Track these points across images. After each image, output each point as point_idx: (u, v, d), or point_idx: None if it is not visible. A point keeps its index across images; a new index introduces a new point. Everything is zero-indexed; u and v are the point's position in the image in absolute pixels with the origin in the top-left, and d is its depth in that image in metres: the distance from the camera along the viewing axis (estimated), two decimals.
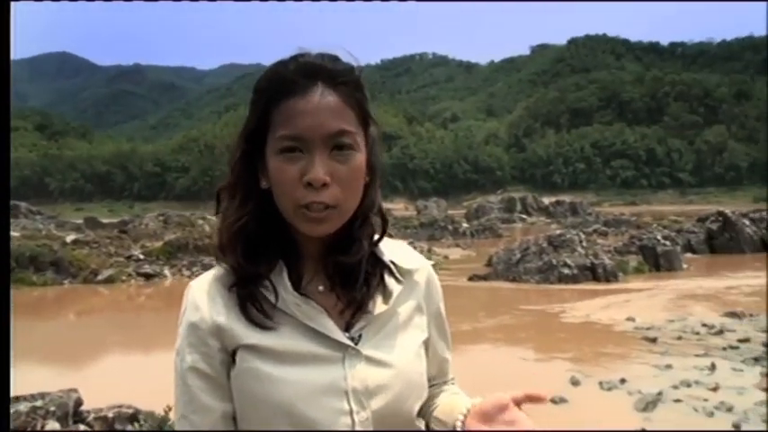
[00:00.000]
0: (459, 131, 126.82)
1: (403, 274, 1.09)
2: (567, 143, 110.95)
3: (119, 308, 15.17)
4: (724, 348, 9.04)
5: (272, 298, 0.99)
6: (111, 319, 13.88)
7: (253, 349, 0.97)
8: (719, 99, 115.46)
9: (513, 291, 15.23)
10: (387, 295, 1.06)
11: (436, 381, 1.15)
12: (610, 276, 15.89)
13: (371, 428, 0.97)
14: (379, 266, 1.07)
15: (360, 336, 1.01)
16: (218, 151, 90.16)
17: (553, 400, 6.77)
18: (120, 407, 5.22)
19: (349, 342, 0.99)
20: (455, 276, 16.46)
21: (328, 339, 0.99)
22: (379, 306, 1.04)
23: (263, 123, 0.99)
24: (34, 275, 16.73)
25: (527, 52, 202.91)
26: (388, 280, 1.07)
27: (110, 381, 7.78)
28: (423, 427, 1.07)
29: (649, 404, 6.61)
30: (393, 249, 1.11)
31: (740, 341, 9.35)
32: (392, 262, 1.09)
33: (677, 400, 6.79)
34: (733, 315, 11.16)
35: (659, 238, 18.67)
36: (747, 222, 22.03)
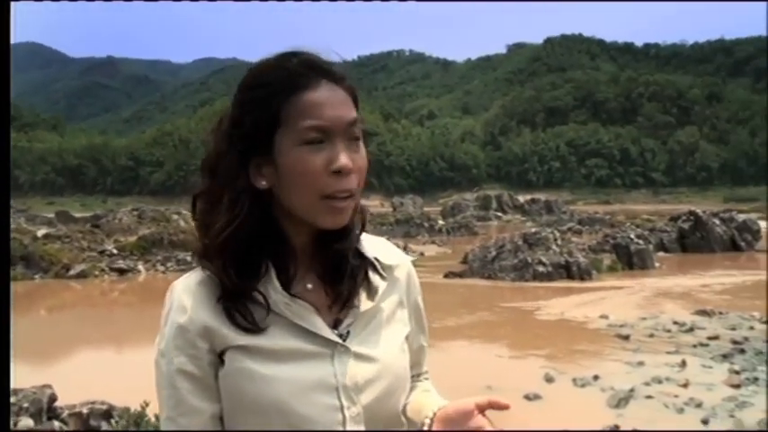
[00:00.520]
0: (435, 129, 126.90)
1: (385, 270, 1.10)
2: (543, 142, 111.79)
3: (92, 303, 14.98)
4: (694, 346, 9.19)
5: (261, 301, 0.99)
6: (84, 315, 13.70)
7: (243, 350, 0.97)
8: (692, 100, 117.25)
9: (488, 288, 15.33)
10: (372, 291, 1.07)
11: (412, 372, 1.15)
12: (584, 274, 16.06)
13: (362, 423, 0.98)
14: (363, 262, 1.08)
15: (348, 332, 1.02)
16: (192, 146, 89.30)
17: (527, 397, 6.85)
18: (93, 403, 5.16)
19: (338, 339, 1.00)
20: (431, 273, 16.48)
21: (318, 337, 0.99)
22: (365, 302, 1.05)
23: (268, 118, 0.97)
24: None
25: (504, 51, 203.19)
26: (373, 276, 1.08)
27: (83, 377, 7.70)
28: (405, 422, 1.08)
29: (621, 400, 6.71)
30: (375, 246, 1.12)
31: (710, 338, 9.53)
32: (376, 258, 1.10)
33: (649, 397, 6.91)
34: (703, 313, 11.36)
35: (632, 236, 18.91)
36: (718, 222, 22.45)
